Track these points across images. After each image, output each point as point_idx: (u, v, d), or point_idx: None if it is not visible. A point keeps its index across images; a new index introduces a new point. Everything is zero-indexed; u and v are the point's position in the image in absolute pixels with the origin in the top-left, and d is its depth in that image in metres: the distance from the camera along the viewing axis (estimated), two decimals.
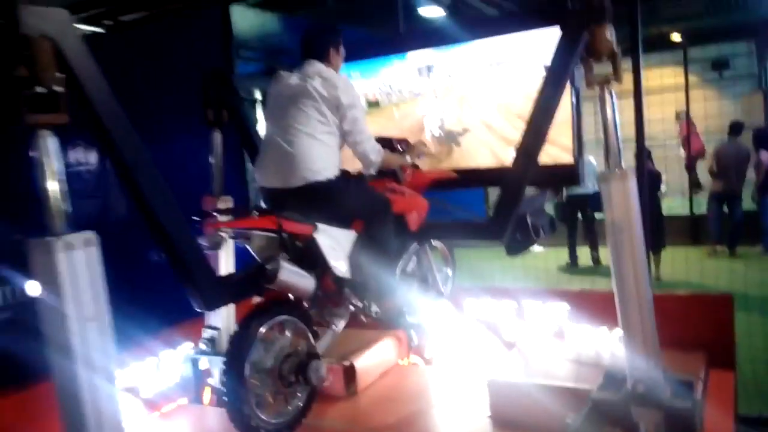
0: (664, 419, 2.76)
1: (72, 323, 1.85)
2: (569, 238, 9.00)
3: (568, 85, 3.12)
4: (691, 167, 10.91)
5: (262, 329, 2.65)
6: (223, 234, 2.84)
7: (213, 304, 2.75)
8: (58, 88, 1.90)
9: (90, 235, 1.93)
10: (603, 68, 2.75)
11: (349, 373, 4.00)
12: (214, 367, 3.95)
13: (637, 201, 2.75)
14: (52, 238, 1.88)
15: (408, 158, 3.36)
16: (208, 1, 5.28)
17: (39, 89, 1.87)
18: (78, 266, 1.88)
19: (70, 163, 7.11)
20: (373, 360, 4.24)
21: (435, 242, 3.75)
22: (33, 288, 5.78)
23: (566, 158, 3.43)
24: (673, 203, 10.92)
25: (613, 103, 2.81)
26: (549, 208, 3.61)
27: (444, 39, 3.88)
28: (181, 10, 5.47)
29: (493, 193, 10.66)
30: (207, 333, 3.92)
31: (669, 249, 7.90)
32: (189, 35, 5.35)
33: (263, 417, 2.65)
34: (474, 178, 3.76)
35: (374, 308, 3.19)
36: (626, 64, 4.21)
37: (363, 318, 3.21)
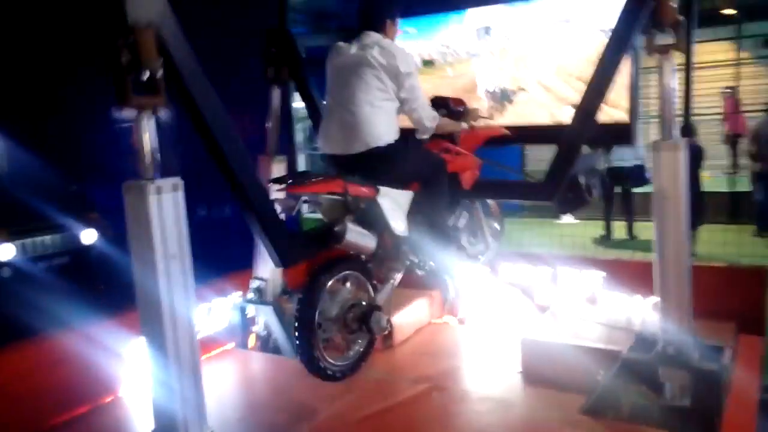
0: (691, 380, 2.88)
1: (159, 259, 2.05)
2: (605, 211, 8.96)
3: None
4: (732, 145, 10.68)
5: (329, 282, 2.83)
6: (296, 197, 2.99)
7: (289, 261, 2.94)
8: (159, 72, 2.07)
9: (177, 180, 2.13)
10: (665, 38, 2.82)
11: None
12: (260, 315, 4.21)
13: (686, 172, 2.82)
14: (146, 181, 2.07)
15: (463, 124, 3.45)
16: None
17: (144, 75, 2.04)
18: (166, 207, 2.07)
19: (117, 120, 7.38)
20: (408, 317, 4.44)
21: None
22: (88, 236, 6.10)
23: (622, 117, 3.45)
24: (714, 180, 10.75)
25: (673, 73, 2.89)
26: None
27: None
28: None
29: (531, 156, 10.64)
30: (255, 283, 4.15)
31: (707, 226, 7.84)
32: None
33: (329, 359, 2.85)
34: (529, 136, 3.82)
35: (429, 262, 3.36)
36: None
37: (417, 271, 3.38)
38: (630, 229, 8.83)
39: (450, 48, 3.99)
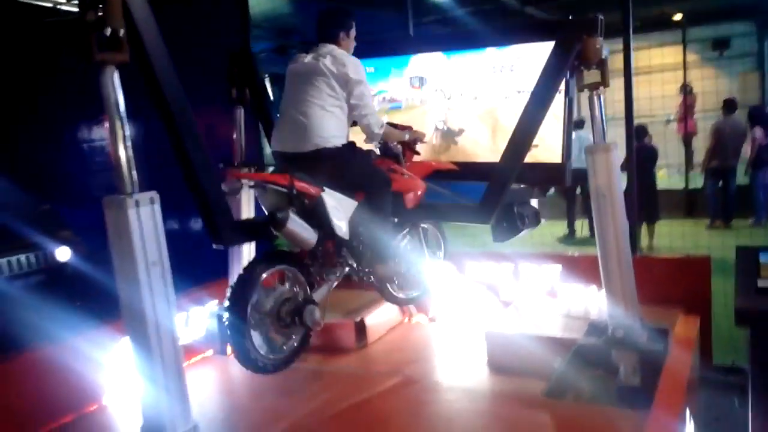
0: (640, 360, 3.14)
1: (140, 267, 2.21)
2: (568, 211, 9.35)
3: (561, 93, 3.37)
4: (687, 144, 11.19)
5: (264, 275, 2.93)
6: (241, 183, 3.12)
7: (226, 241, 3.03)
8: (121, 31, 2.23)
9: (153, 194, 2.30)
10: (593, 76, 3.10)
11: (360, 328, 4.40)
12: None
13: (618, 171, 3.10)
14: (124, 196, 2.23)
15: (405, 136, 3.62)
16: None
17: (107, 31, 2.19)
18: (145, 220, 2.24)
19: (93, 138, 7.48)
20: (381, 317, 4.63)
21: (427, 225, 3.97)
22: (62, 253, 6.20)
23: (556, 158, 3.58)
24: (671, 179, 11.24)
25: (600, 106, 3.19)
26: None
27: (447, 45, 4.12)
28: None
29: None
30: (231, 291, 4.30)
31: (666, 221, 8.25)
32: (207, 14, 5.65)
33: (261, 353, 2.93)
34: (469, 172, 3.90)
35: (367, 272, 3.50)
36: (619, 45, 4.54)
37: (356, 279, 3.52)
38: (592, 227, 9.18)
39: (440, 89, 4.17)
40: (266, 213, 3.08)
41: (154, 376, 2.28)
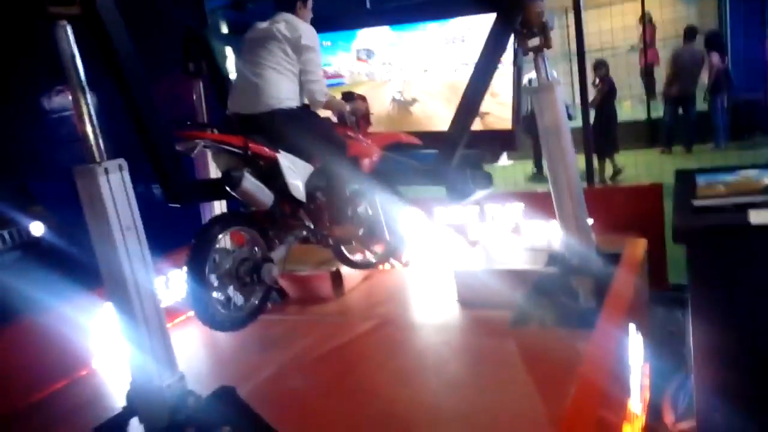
0: (595, 284, 3.37)
1: (116, 232, 2.31)
2: (534, 150, 9.51)
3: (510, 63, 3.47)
4: (647, 74, 11.34)
5: (220, 235, 2.98)
6: (195, 142, 3.06)
7: (179, 199, 3.08)
8: None
9: (121, 161, 2.38)
10: (535, 40, 3.22)
11: (336, 278, 4.59)
12: None
13: (564, 108, 3.25)
14: (94, 165, 2.31)
15: (347, 107, 3.61)
16: None
17: None
18: (115, 186, 2.32)
19: (54, 109, 7.38)
20: None
21: (408, 209, 3.99)
22: (37, 228, 6.24)
23: (506, 125, 3.72)
24: (634, 110, 11.46)
25: (545, 67, 3.32)
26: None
27: (397, 19, 4.18)
28: None
29: None
30: None
31: (631, 152, 8.49)
32: None
33: (223, 311, 3.00)
34: (426, 140, 3.92)
35: (324, 234, 3.56)
36: None
37: (313, 241, 3.61)
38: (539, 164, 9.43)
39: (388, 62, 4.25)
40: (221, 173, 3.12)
41: (138, 334, 2.42)
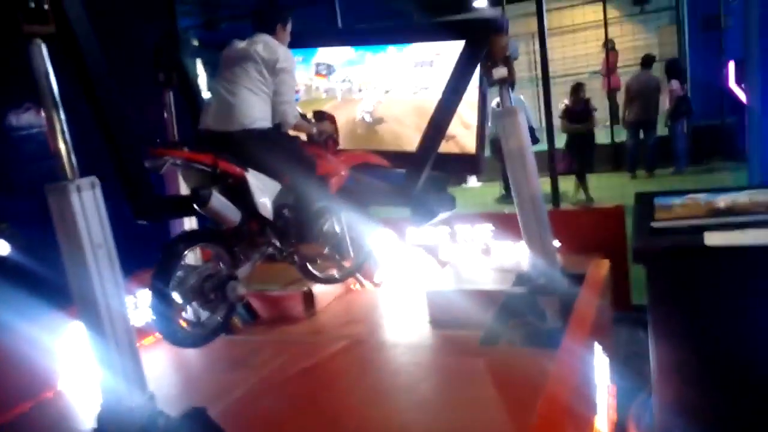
0: (561, 304, 3.46)
1: (87, 250, 2.32)
2: (502, 172, 9.67)
3: (476, 87, 3.57)
4: (610, 99, 11.71)
5: (186, 252, 2.99)
6: (164, 159, 3.09)
7: (147, 216, 3.08)
8: (46, 4, 2.28)
9: (94, 178, 2.39)
10: (500, 71, 3.34)
11: (308, 298, 4.60)
12: None
13: (526, 131, 3.37)
14: (67, 182, 2.32)
15: (313, 129, 3.67)
16: None
17: (31, 4, 2.24)
18: (87, 204, 2.33)
19: (22, 126, 7.27)
20: (328, 286, 4.83)
21: (374, 227, 4.04)
22: (1, 247, 6.11)
23: (470, 149, 3.80)
24: (599, 134, 11.77)
25: (510, 98, 3.45)
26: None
27: (369, 40, 4.27)
28: None
29: None
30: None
31: (595, 175, 8.72)
32: None
33: (187, 329, 3.02)
34: (391, 161, 3.96)
35: (291, 251, 3.58)
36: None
37: (279, 259, 3.60)
38: (507, 186, 9.61)
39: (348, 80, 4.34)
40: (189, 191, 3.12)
41: (109, 353, 2.42)
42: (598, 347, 2.93)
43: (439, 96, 3.45)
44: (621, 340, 4.22)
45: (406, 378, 3.50)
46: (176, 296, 2.95)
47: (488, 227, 4.77)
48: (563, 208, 4.81)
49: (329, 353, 3.83)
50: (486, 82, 3.48)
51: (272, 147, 3.28)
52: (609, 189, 7.12)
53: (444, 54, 3.81)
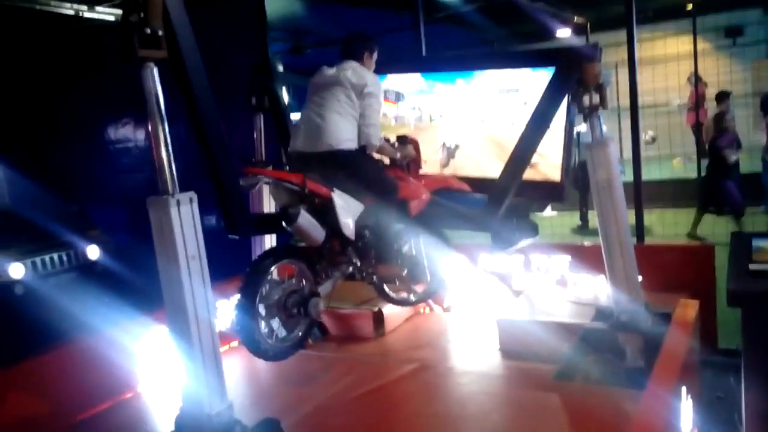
0: (643, 343, 3.31)
1: (181, 260, 2.44)
2: (581, 202, 9.46)
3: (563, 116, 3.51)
4: (696, 133, 11.22)
5: (273, 267, 3.12)
6: (258, 178, 3.31)
7: (240, 231, 3.18)
8: (160, 31, 2.44)
9: (192, 194, 2.53)
10: (592, 99, 3.29)
11: (378, 318, 4.61)
12: None
13: (616, 163, 3.27)
14: (168, 196, 2.46)
15: (398, 154, 3.72)
16: None
17: (147, 31, 2.40)
18: (185, 218, 2.46)
19: (119, 140, 7.78)
20: (397, 308, 4.82)
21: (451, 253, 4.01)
22: (92, 251, 6.54)
23: (555, 177, 3.71)
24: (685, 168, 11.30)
25: (600, 126, 3.38)
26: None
27: (454, 66, 4.29)
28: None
29: None
30: None
31: (679, 210, 8.33)
32: (225, 21, 5.89)
33: (269, 341, 3.12)
34: (479, 188, 3.95)
35: (370, 271, 3.68)
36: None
37: (358, 278, 3.69)
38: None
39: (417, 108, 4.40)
40: (279, 209, 3.27)
41: (194, 361, 2.51)
42: (683, 391, 2.77)
43: (526, 123, 3.40)
44: (705, 384, 3.98)
45: (475, 407, 3.43)
46: (261, 310, 3.06)
47: (566, 258, 4.64)
48: (648, 243, 4.60)
49: (398, 375, 3.82)
50: (573, 109, 3.42)
51: (357, 168, 3.36)
52: (700, 226, 6.80)
53: (530, 81, 3.79)
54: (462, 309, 4.99)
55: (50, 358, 3.68)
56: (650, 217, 6.99)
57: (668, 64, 11.76)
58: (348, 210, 3.35)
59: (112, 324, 3.98)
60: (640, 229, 4.71)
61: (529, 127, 3.36)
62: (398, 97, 4.44)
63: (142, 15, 2.40)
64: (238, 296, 3.05)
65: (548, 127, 3.35)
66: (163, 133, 2.48)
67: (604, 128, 3.50)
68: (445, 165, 4.25)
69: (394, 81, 4.42)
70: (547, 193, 3.79)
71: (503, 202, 3.33)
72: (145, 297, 3.99)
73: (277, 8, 7.01)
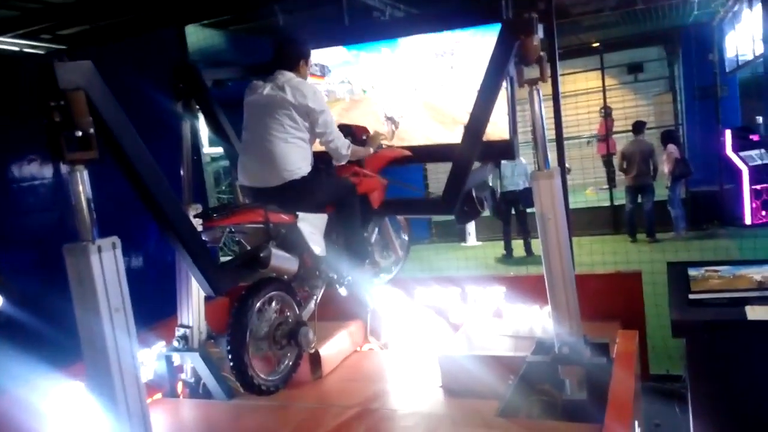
0: (585, 374, 3.32)
1: (104, 312, 2.20)
2: (504, 232, 9.68)
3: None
4: (607, 163, 11.89)
5: (257, 303, 3.09)
6: (222, 230, 3.22)
7: (219, 289, 3.08)
8: (90, 130, 2.24)
9: (116, 239, 2.29)
10: (531, 72, 3.31)
11: (315, 360, 4.41)
12: (187, 362, 4.28)
13: (561, 195, 3.31)
14: (87, 242, 2.22)
15: (371, 150, 3.77)
16: (166, 22, 5.56)
17: (75, 133, 2.20)
18: (107, 266, 2.23)
19: (25, 178, 7.18)
20: (335, 347, 4.66)
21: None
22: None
23: (503, 135, 3.88)
24: (599, 196, 11.86)
25: (539, 101, 3.36)
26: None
27: (388, 33, 4.30)
28: (140, 31, 5.75)
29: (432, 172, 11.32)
30: (180, 331, 4.21)
31: (597, 238, 8.68)
32: (146, 54, 5.63)
33: (262, 375, 3.12)
34: (423, 155, 4.18)
35: (347, 277, 3.67)
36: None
37: (338, 287, 3.70)
38: (527, 246, 9.58)
39: (347, 81, 4.38)
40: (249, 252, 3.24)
41: (118, 418, 2.28)
42: (636, 425, 2.78)
43: (479, 90, 3.42)
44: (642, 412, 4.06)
45: None
46: (251, 346, 3.07)
47: (501, 289, 4.66)
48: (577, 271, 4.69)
49: (339, 422, 3.63)
50: (513, 68, 3.42)
51: (314, 188, 3.35)
52: (613, 254, 7.06)
53: (460, 44, 3.92)
54: (400, 345, 4.88)
55: None
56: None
57: (578, 98, 12.44)
58: (315, 230, 3.39)
59: (17, 381, 3.60)
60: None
61: (478, 99, 3.37)
62: (323, 70, 4.33)
63: (66, 115, 2.20)
64: (228, 338, 3.00)
65: (496, 97, 3.38)
66: (81, 172, 2.26)
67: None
68: (391, 138, 4.26)
69: (317, 54, 4.21)
70: (499, 152, 3.92)
71: (465, 178, 3.34)
72: (55, 350, 3.66)
73: (198, 41, 6.81)
